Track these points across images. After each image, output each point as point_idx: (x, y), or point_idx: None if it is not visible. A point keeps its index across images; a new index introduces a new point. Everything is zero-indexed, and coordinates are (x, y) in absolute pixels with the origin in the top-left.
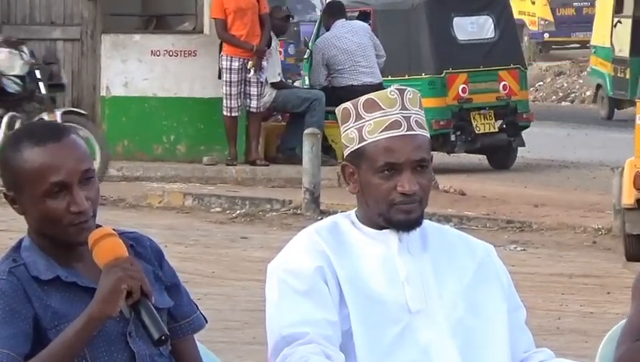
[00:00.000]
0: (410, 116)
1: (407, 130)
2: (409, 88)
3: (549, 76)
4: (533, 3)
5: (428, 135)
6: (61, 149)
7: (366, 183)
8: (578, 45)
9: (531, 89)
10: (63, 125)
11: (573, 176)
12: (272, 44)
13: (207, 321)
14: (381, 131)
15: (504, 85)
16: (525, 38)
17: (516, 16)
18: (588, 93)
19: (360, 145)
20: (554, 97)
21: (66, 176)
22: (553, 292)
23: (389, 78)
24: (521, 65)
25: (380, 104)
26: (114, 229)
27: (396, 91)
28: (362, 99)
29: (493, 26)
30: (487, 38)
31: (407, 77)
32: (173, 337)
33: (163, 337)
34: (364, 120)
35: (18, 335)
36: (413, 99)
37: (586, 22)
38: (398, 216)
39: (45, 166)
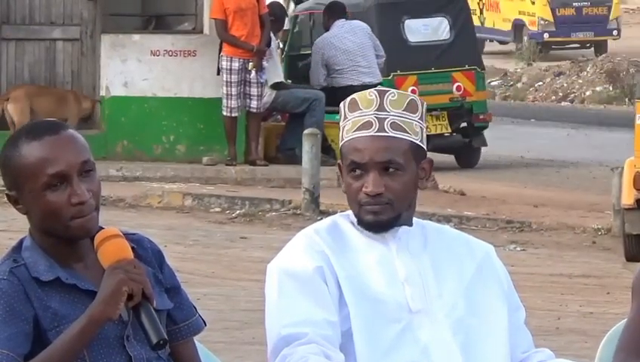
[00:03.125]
0: (387, 118)
1: (376, 131)
2: (394, 90)
3: (549, 76)
4: (533, 3)
5: (411, 138)
6: (58, 142)
7: (344, 182)
8: (578, 45)
9: (531, 89)
10: (60, 121)
11: (573, 176)
12: (272, 45)
13: (206, 324)
14: (354, 131)
15: (458, 86)
16: (525, 38)
17: (516, 16)
18: (588, 93)
19: (341, 145)
20: (554, 97)
21: (65, 168)
22: (553, 292)
23: None
24: (478, 66)
25: (359, 104)
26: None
27: (375, 92)
28: (348, 98)
29: (448, 27)
30: (441, 40)
31: None
32: (173, 340)
33: (161, 341)
34: (347, 119)
35: (18, 336)
36: (397, 101)
37: (585, 22)
38: (366, 217)
39: (43, 159)
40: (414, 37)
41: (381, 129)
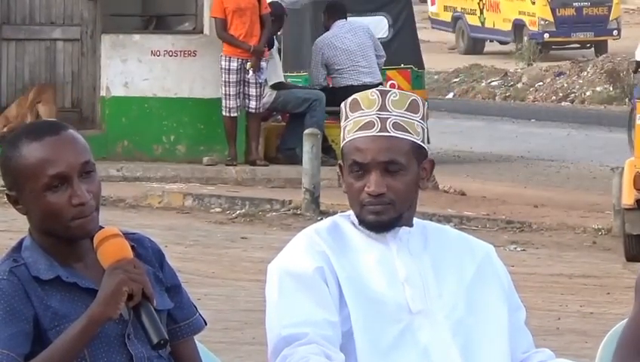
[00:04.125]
0: (389, 118)
1: (379, 131)
2: (395, 90)
3: (549, 76)
4: (533, 3)
5: (412, 138)
6: (59, 143)
7: (345, 183)
8: (578, 45)
9: (531, 89)
10: (60, 121)
11: (573, 176)
12: (275, 45)
13: (206, 323)
14: (355, 131)
15: (392, 84)
16: (525, 39)
17: (516, 16)
18: (588, 93)
19: (342, 145)
20: (554, 97)
21: (66, 169)
22: (553, 292)
23: (287, 74)
24: (415, 65)
25: (361, 104)
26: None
27: (377, 92)
28: (350, 98)
29: (387, 26)
30: (378, 38)
31: (294, 73)
32: (173, 339)
33: (162, 341)
34: (348, 119)
35: (18, 336)
36: (399, 101)
37: (586, 22)
38: (368, 217)
39: (44, 160)
40: None
41: (383, 129)
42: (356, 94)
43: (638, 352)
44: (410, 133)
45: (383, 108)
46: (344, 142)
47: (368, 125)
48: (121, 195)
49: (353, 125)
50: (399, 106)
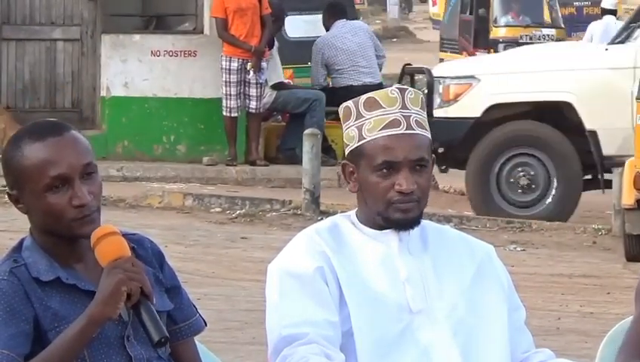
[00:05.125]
0: (411, 115)
1: (406, 129)
2: (410, 88)
3: None
4: None
5: (429, 135)
6: (61, 144)
7: (365, 181)
8: None
9: None
10: (63, 122)
11: None
12: (275, 45)
13: (206, 324)
14: (380, 129)
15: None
16: None
17: None
18: None
19: (359, 144)
20: None
21: (67, 170)
22: (553, 292)
23: None
24: None
25: (381, 103)
26: None
27: (397, 90)
28: (363, 97)
29: None
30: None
31: None
32: (173, 340)
33: (162, 339)
34: (364, 118)
35: (18, 336)
36: (415, 99)
37: (586, 22)
38: (395, 215)
39: (45, 160)
40: (295, 32)
41: (409, 127)
42: (371, 93)
43: (638, 356)
44: (426, 129)
45: (404, 106)
46: (364, 141)
47: (394, 123)
48: (121, 195)
49: (375, 124)
50: (416, 104)
